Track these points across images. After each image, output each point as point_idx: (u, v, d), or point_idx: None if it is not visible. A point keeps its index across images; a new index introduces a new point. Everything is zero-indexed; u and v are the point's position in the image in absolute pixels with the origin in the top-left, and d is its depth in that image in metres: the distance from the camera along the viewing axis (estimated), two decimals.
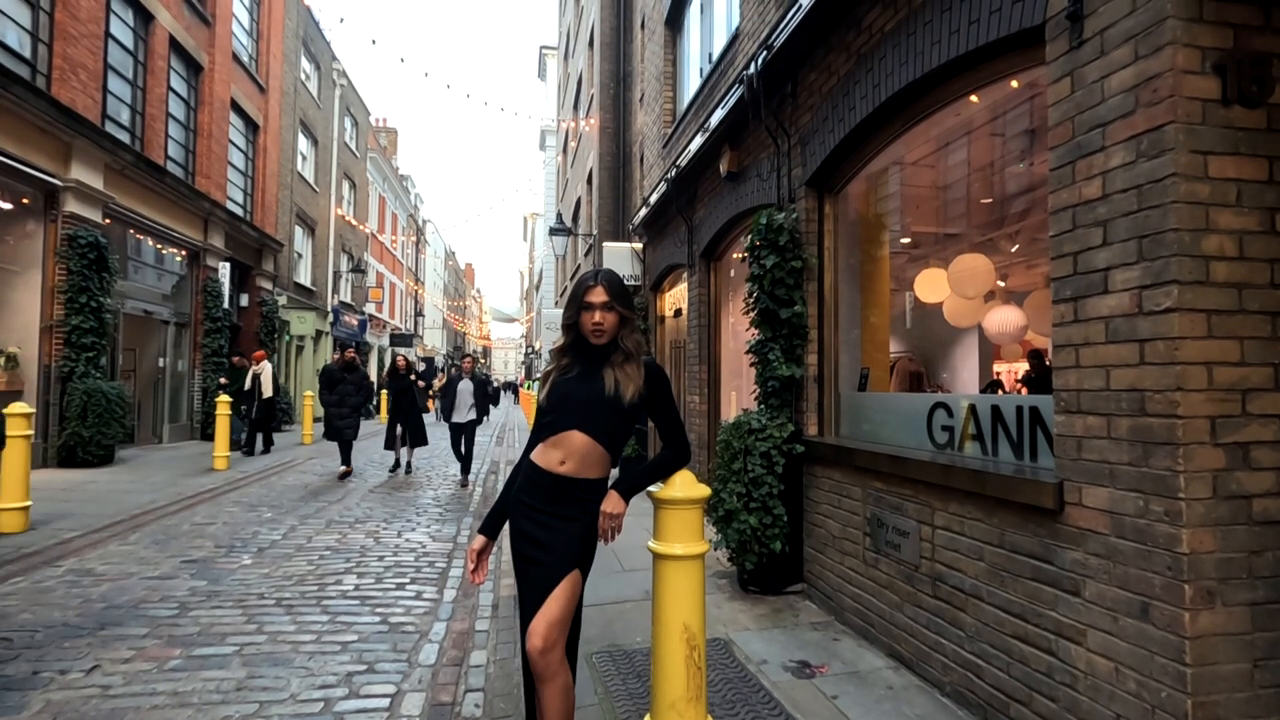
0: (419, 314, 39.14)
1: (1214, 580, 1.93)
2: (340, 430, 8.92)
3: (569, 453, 2.06)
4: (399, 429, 9.43)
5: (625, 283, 2.21)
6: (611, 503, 2.07)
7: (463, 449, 8.74)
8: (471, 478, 9.04)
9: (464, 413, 8.69)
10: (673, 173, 7.07)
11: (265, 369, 11.09)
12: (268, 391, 10.93)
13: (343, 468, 9.07)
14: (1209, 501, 1.94)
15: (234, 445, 11.10)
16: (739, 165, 5.65)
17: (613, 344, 2.12)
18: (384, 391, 10.19)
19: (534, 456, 2.12)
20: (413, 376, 9.61)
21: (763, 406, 4.50)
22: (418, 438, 9.44)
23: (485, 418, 9.54)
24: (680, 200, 7.28)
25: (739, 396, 6.44)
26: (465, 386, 8.73)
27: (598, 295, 2.08)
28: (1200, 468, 1.94)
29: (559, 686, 1.97)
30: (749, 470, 4.20)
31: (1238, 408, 1.98)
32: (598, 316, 2.07)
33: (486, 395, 8.97)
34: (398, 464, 9.60)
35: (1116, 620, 2.11)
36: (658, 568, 2.24)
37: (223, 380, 11.69)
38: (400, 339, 32.42)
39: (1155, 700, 1.98)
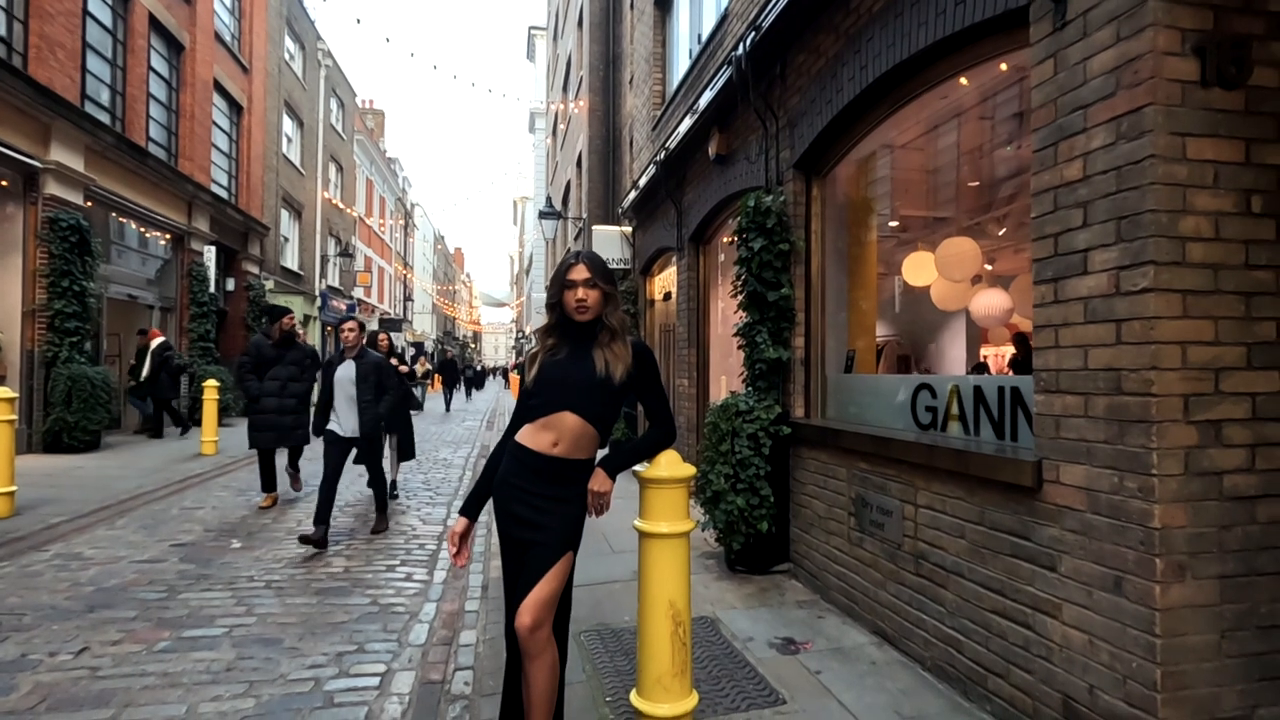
0: (408, 298, 38.90)
1: (1185, 554, 1.98)
2: (282, 435, 5.98)
3: (561, 434, 2.08)
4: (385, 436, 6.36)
5: (611, 264, 2.21)
6: (599, 480, 2.10)
7: (372, 480, 5.61)
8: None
9: (344, 419, 5.04)
10: (662, 155, 7.03)
11: (151, 346, 10.51)
12: (145, 371, 10.35)
13: (265, 496, 6.28)
14: (1181, 478, 1.98)
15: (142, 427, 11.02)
16: (728, 148, 5.63)
17: (597, 322, 2.13)
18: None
19: (522, 439, 2.12)
20: (394, 361, 6.72)
21: (750, 389, 4.53)
22: (405, 448, 6.79)
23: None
24: (669, 183, 7.25)
25: (728, 379, 6.47)
26: (345, 373, 5.03)
27: (580, 273, 2.10)
28: (1173, 445, 1.98)
29: (546, 663, 2.00)
30: (736, 452, 4.24)
31: (1211, 386, 2.02)
32: (580, 293, 2.08)
33: (384, 388, 5.16)
34: (390, 484, 6.63)
35: (1091, 594, 2.16)
36: (643, 546, 2.26)
37: (132, 361, 11.25)
38: (389, 324, 32.25)
39: (1126, 670, 2.04)
